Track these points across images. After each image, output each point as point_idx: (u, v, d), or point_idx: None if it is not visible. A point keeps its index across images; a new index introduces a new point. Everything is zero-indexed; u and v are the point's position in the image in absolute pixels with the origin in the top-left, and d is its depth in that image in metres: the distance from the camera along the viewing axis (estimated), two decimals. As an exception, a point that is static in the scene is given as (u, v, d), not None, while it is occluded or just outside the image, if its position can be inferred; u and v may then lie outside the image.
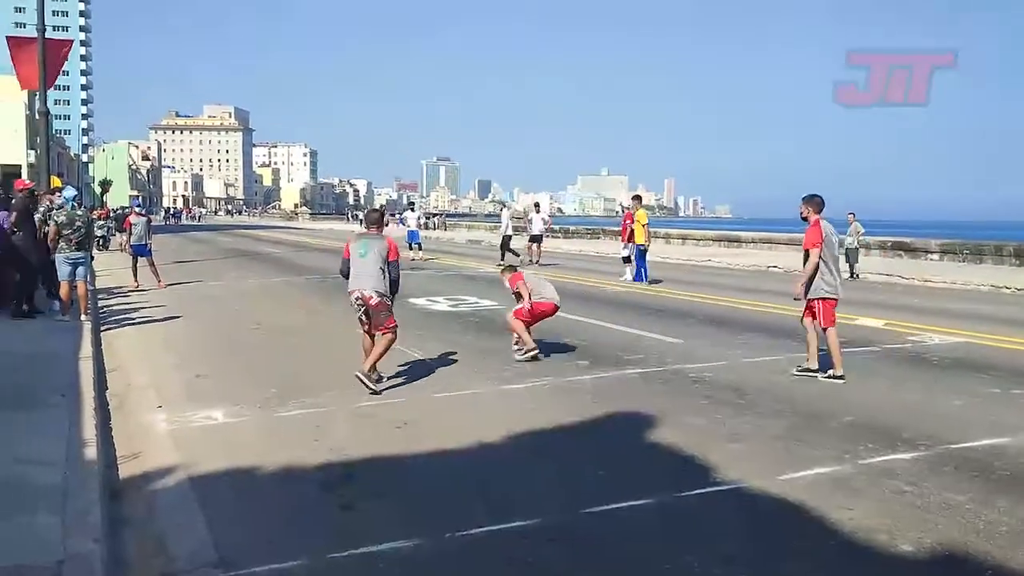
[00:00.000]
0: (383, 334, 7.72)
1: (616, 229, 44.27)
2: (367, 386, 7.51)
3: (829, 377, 8.30)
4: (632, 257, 19.50)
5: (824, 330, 8.54)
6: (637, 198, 20.86)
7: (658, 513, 4.82)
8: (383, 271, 7.65)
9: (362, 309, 7.67)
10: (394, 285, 7.78)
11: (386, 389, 7.77)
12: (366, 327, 7.83)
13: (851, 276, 21.06)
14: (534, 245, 25.42)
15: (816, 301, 8.56)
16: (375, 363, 7.71)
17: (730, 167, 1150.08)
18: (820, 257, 8.45)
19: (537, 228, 25.82)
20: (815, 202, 8.69)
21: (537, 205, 29.24)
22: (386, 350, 7.77)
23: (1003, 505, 4.87)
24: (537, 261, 24.58)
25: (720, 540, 4.48)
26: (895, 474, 5.45)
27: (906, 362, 9.45)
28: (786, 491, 5.15)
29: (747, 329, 11.77)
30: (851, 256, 21.46)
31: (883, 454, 5.89)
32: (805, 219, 8.69)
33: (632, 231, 19.37)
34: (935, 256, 26.86)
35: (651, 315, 13.38)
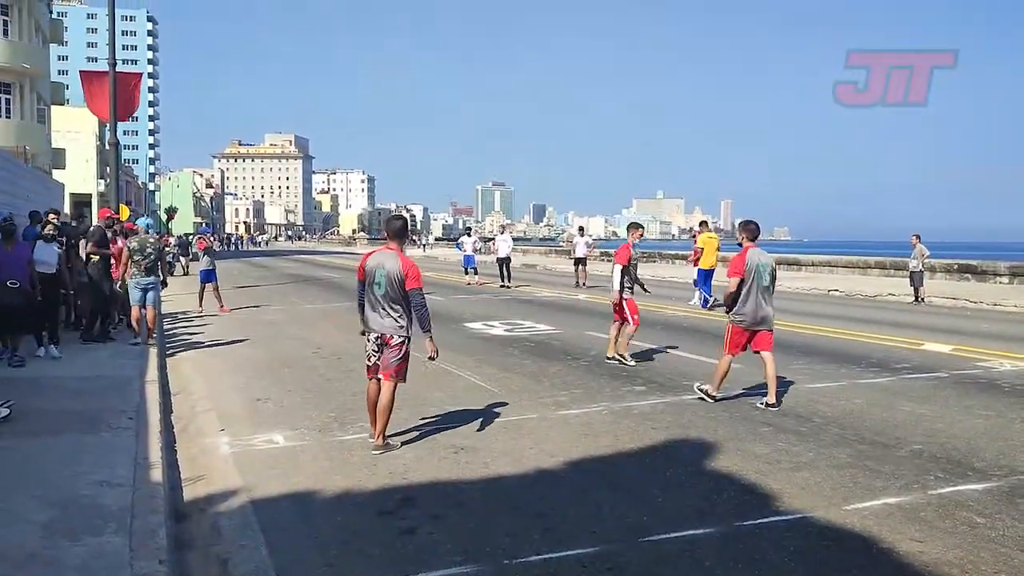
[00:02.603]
0: (387, 380, 6.57)
1: (672, 253, 44.16)
2: (389, 448, 6.62)
3: (704, 395, 8.40)
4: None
5: (721, 354, 8.53)
6: (703, 223, 21.54)
7: (719, 543, 4.72)
8: (402, 304, 6.55)
9: (379, 350, 6.62)
10: (422, 321, 6.55)
11: (446, 413, 7.80)
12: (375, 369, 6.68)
13: (916, 300, 20.53)
14: (580, 267, 26.28)
15: (727, 324, 8.53)
16: (384, 427, 6.63)
17: (788, 188, 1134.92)
18: (740, 286, 8.25)
19: (581, 251, 26.67)
20: (749, 229, 8.56)
21: (581, 229, 29.99)
22: (391, 404, 6.59)
23: (1084, 539, 4.66)
24: (583, 283, 25.44)
25: (783, 572, 4.37)
26: (967, 505, 5.27)
27: (976, 389, 9.15)
28: (852, 522, 5.01)
29: (808, 354, 11.54)
30: (915, 279, 20.93)
31: (954, 484, 5.71)
32: (740, 244, 8.55)
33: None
34: (1004, 279, 26.04)
35: (709, 340, 13.19)
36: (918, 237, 21.60)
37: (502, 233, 31.31)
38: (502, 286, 24.97)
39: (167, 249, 31.66)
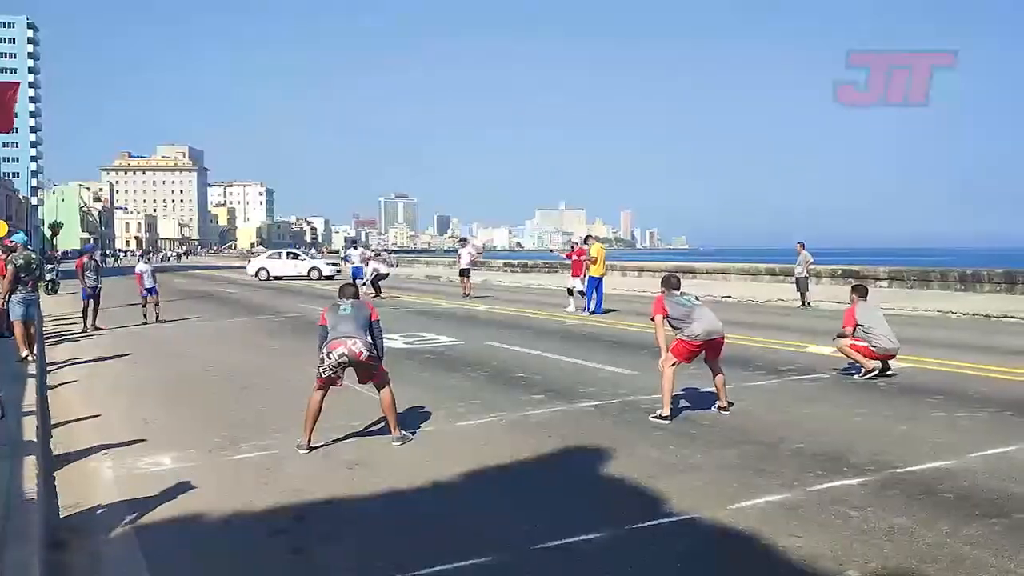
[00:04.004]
0: (382, 386, 7.34)
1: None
2: (409, 440, 7.32)
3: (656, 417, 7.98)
4: (581, 289, 20.38)
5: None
6: (589, 237, 22.13)
7: (610, 547, 4.82)
8: (367, 330, 7.22)
9: (342, 368, 7.09)
10: (379, 347, 7.36)
11: (342, 428, 7.70)
12: (333, 385, 7.19)
13: (802, 304, 21.43)
14: (464, 278, 26.31)
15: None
16: (396, 423, 7.35)
17: (685, 198, 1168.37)
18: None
19: (465, 262, 26.71)
20: (669, 282, 8.65)
21: (463, 240, 30.33)
22: (394, 402, 7.38)
23: (945, 527, 4.97)
24: (467, 295, 25.37)
25: (670, 572, 4.50)
26: (842, 500, 5.54)
27: (854, 388, 9.63)
28: (737, 520, 5.19)
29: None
30: (801, 284, 21.86)
31: (831, 480, 5.99)
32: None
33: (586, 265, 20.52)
34: (884, 283, 27.47)
35: (606, 347, 13.47)
36: (802, 244, 22.60)
37: (376, 256, 31.54)
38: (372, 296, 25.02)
39: (50, 267, 30.48)
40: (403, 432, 7.40)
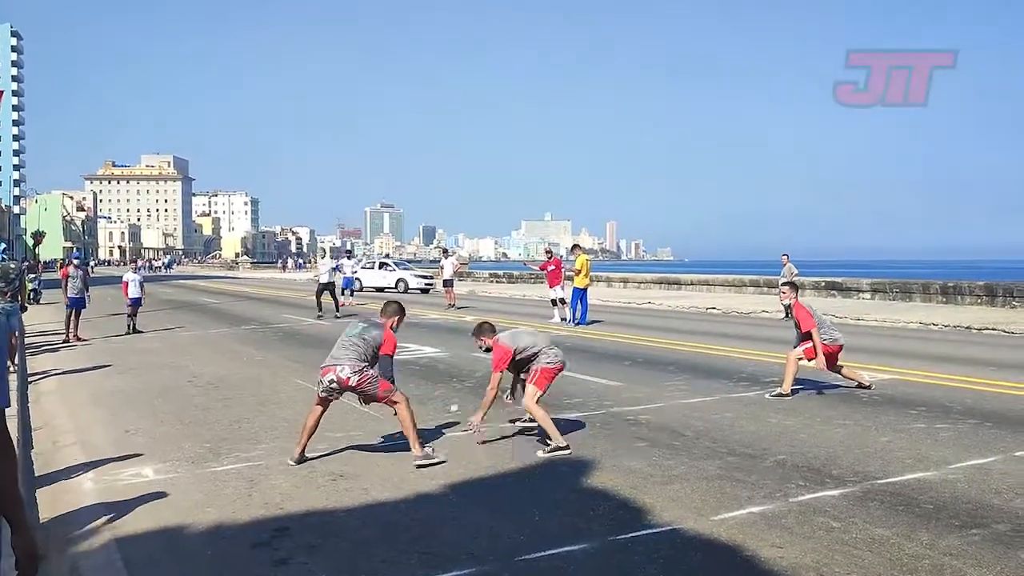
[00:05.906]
0: (391, 405, 7.05)
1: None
2: (434, 462, 6.85)
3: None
4: (563, 297, 20.66)
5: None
6: (576, 246, 22.37)
7: (592, 558, 4.83)
8: (366, 355, 6.97)
9: (335, 392, 7.01)
10: (384, 372, 7.03)
11: (326, 440, 7.67)
12: (326, 402, 7.08)
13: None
14: (448, 288, 26.91)
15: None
16: (417, 440, 6.97)
17: (671, 210, 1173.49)
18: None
19: (448, 273, 27.26)
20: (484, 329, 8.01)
21: (446, 251, 30.79)
22: (412, 418, 7.00)
23: (926, 539, 5.00)
24: (452, 305, 25.84)
25: (654, 583, 4.51)
26: (824, 511, 5.57)
27: (836, 399, 9.69)
28: (719, 531, 5.21)
29: (684, 370, 11.94)
30: (785, 296, 21.95)
31: (813, 491, 6.02)
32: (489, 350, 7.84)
33: (565, 276, 21.01)
34: (866, 295, 27.67)
35: (591, 358, 13.49)
36: (787, 256, 22.73)
37: (322, 257, 31.13)
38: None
39: (32, 276, 30.26)
40: (426, 450, 7.00)
